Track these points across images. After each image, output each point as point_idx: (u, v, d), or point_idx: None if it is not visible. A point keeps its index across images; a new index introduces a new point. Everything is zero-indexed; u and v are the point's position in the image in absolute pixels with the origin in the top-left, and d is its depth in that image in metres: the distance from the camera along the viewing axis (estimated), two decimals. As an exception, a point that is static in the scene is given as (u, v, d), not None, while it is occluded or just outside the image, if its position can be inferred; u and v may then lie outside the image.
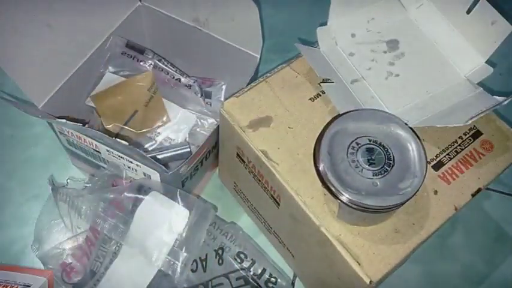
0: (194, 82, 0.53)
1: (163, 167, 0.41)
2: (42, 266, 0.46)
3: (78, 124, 0.40)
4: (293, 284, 0.48)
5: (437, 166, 0.37)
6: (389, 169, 0.33)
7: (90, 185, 0.46)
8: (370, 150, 0.33)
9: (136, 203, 0.44)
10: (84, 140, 0.45)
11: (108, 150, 0.44)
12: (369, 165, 0.33)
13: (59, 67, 0.48)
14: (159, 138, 0.52)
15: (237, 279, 0.45)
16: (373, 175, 0.32)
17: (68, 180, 0.50)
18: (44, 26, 0.46)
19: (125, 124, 0.51)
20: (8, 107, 0.57)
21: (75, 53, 0.49)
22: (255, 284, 0.45)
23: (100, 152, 0.45)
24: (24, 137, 0.56)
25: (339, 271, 0.36)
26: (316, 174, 0.33)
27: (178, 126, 0.53)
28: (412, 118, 0.38)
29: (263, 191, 0.41)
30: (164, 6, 0.53)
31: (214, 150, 0.48)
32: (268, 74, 0.41)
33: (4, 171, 0.54)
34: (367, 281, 0.33)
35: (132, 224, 0.43)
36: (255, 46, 0.48)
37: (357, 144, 0.33)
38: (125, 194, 0.45)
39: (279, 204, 0.39)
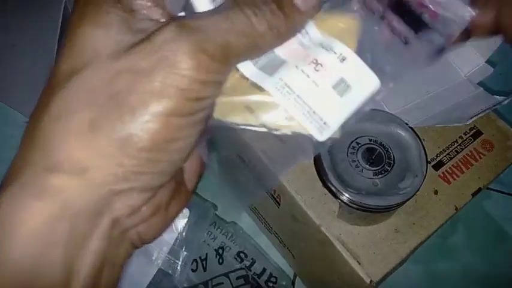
0: None
1: None
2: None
3: None
4: (293, 283, 0.48)
5: (438, 166, 0.37)
6: (389, 169, 0.33)
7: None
8: (370, 150, 0.33)
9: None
10: None
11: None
12: (369, 165, 0.33)
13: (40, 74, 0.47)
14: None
15: (237, 278, 0.46)
16: (374, 175, 0.32)
17: (68, 180, 0.49)
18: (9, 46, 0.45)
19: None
20: (8, 107, 0.57)
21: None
22: (255, 284, 0.45)
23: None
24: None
25: (339, 271, 0.36)
26: (316, 174, 0.33)
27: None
28: (412, 118, 0.38)
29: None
30: None
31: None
32: (269, 74, 0.41)
33: (4, 171, 0.54)
34: (368, 281, 0.33)
35: (132, 223, 0.43)
36: None
37: (357, 144, 0.33)
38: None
39: (279, 204, 0.39)
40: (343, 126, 0.20)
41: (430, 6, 0.20)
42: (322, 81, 0.19)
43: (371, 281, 0.33)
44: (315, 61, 0.19)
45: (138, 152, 0.16)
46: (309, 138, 0.20)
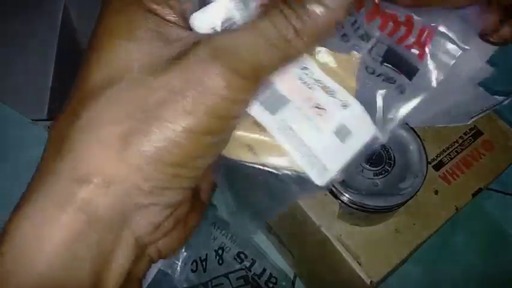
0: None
1: None
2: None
3: None
4: (293, 284, 0.48)
5: (438, 166, 0.37)
6: (389, 169, 0.32)
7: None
8: (370, 150, 0.33)
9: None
10: None
11: None
12: (369, 165, 0.33)
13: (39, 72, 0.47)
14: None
15: (237, 279, 0.45)
16: (374, 175, 0.32)
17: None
18: None
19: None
20: (8, 107, 0.57)
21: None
22: (255, 284, 0.45)
23: None
24: (25, 137, 0.56)
25: (339, 271, 0.36)
26: (316, 174, 0.33)
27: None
28: (412, 118, 0.38)
29: (263, 191, 0.41)
30: None
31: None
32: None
33: (5, 171, 0.54)
34: (368, 281, 0.33)
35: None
36: None
37: (358, 144, 0.33)
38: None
39: (279, 204, 0.39)
40: (343, 169, 0.20)
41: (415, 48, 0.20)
42: (325, 126, 0.19)
43: (371, 281, 0.33)
44: (318, 105, 0.19)
45: (166, 167, 0.17)
46: (308, 180, 0.19)
